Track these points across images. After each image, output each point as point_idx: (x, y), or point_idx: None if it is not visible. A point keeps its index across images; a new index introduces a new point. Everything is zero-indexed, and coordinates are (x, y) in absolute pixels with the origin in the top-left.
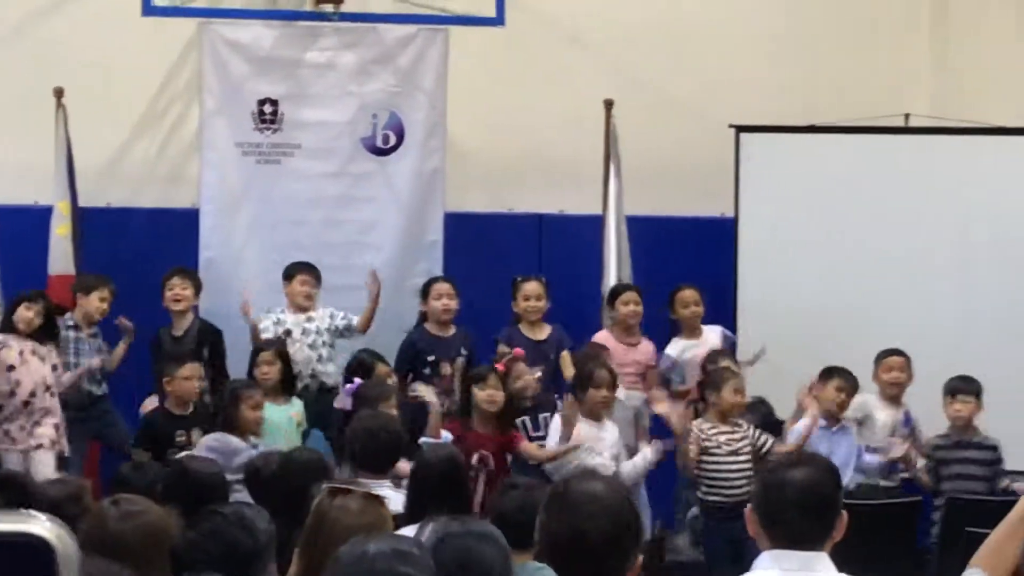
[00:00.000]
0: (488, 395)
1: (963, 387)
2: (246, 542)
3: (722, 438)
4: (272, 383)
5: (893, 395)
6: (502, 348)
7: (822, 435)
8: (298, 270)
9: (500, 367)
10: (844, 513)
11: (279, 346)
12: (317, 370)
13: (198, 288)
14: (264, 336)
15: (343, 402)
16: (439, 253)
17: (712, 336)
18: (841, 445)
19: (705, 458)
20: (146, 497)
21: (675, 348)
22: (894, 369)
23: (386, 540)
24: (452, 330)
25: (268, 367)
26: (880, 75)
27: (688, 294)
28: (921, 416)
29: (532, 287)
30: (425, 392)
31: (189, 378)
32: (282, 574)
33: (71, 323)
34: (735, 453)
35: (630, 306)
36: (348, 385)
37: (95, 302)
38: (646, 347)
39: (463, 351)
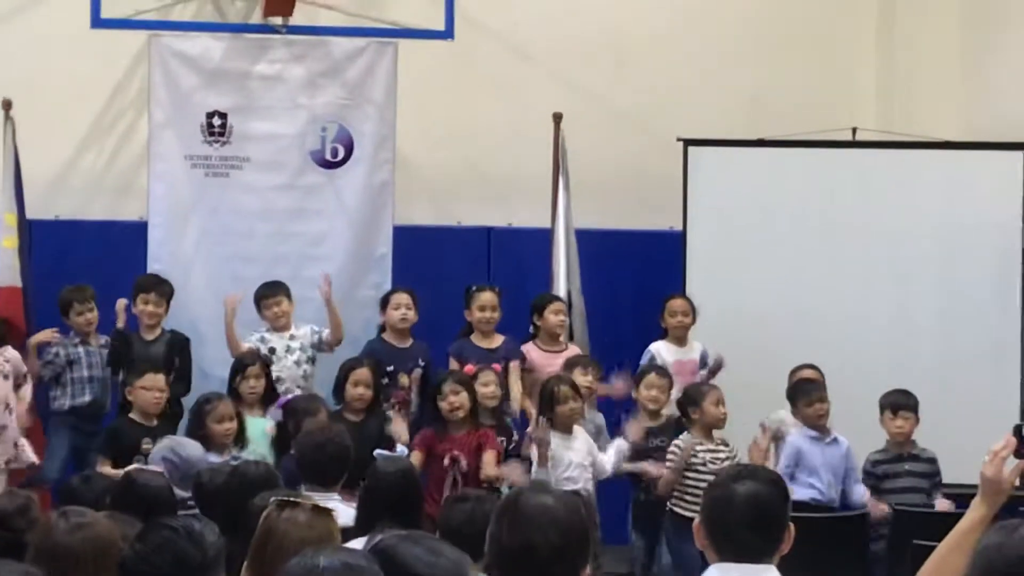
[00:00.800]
0: (448, 404)
1: (905, 403)
2: (194, 555)
3: (707, 456)
4: (257, 396)
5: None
6: (454, 364)
7: (815, 447)
8: (263, 294)
9: (469, 369)
10: (791, 525)
11: (264, 359)
12: (302, 386)
13: (169, 301)
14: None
15: (276, 415)
16: (388, 266)
17: (696, 350)
18: (834, 456)
19: (686, 473)
20: (94, 509)
21: (658, 348)
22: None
23: (337, 554)
24: (410, 341)
25: (256, 381)
26: (828, 89)
27: (678, 304)
28: (857, 427)
29: (487, 297)
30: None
31: (149, 388)
32: None
33: (77, 340)
34: (715, 474)
35: (559, 316)
36: (279, 399)
37: (74, 318)
38: (572, 351)
39: (420, 362)
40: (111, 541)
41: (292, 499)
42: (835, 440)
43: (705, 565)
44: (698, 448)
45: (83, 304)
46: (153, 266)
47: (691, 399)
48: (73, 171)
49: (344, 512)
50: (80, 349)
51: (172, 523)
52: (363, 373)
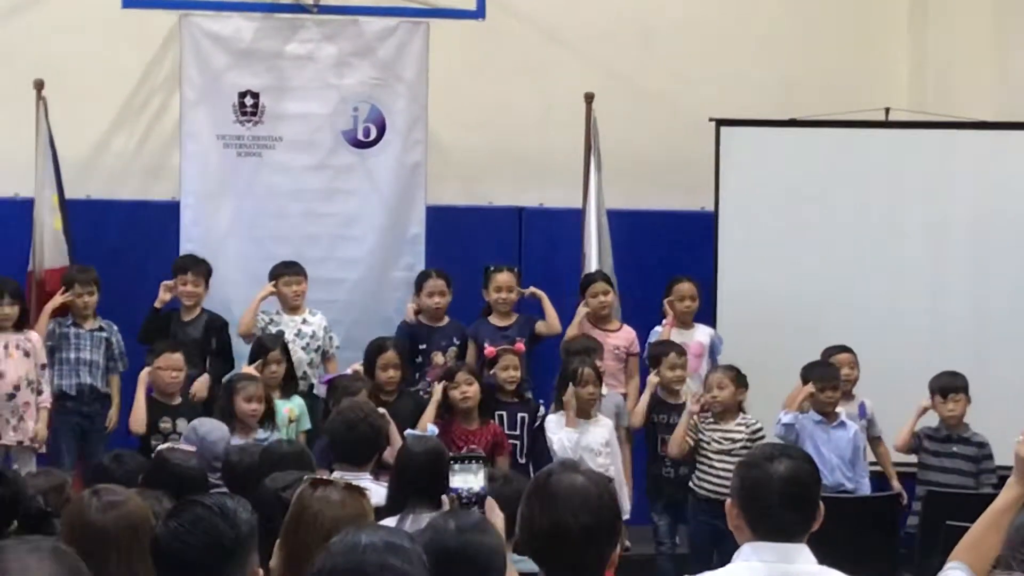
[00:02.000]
0: (461, 392)
1: (955, 384)
2: (228, 532)
3: (716, 435)
4: (278, 380)
5: (845, 391)
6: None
7: (820, 430)
8: (281, 271)
9: (490, 352)
10: (822, 505)
11: (284, 344)
12: (307, 373)
13: (208, 280)
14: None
15: (322, 391)
16: (421, 247)
17: (702, 333)
18: (841, 439)
19: (700, 450)
20: (126, 488)
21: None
22: (844, 366)
23: (378, 532)
24: (445, 320)
25: (277, 365)
26: (860, 69)
27: (685, 287)
28: (892, 407)
29: (504, 278)
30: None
31: (165, 368)
32: (262, 566)
33: (70, 321)
34: (726, 453)
35: (598, 297)
36: (324, 375)
37: (73, 297)
38: (626, 332)
39: (455, 341)
40: (143, 519)
41: (325, 478)
42: (842, 424)
43: (730, 542)
44: (706, 426)
45: (85, 286)
46: (185, 246)
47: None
48: (105, 151)
49: (375, 491)
50: (71, 330)
51: (205, 500)
52: (391, 356)
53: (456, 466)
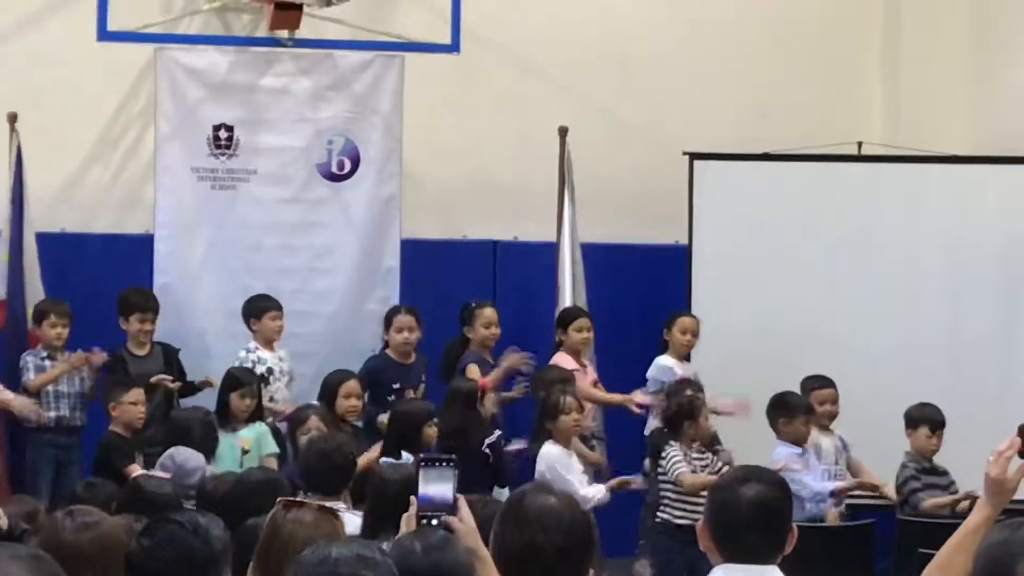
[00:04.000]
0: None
1: (941, 420)
2: (200, 549)
3: (698, 464)
4: (247, 415)
5: (826, 424)
6: (473, 372)
7: (797, 459)
8: (266, 307)
9: (483, 384)
10: (794, 527)
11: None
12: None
13: (156, 315)
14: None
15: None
16: (396, 279)
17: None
18: (815, 467)
19: (671, 483)
20: None
21: (671, 362)
22: (827, 402)
23: (349, 545)
24: (413, 357)
25: (252, 400)
26: (833, 103)
27: (689, 322)
28: (866, 438)
29: (491, 313)
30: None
31: (135, 403)
32: None
33: (44, 354)
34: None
35: (583, 333)
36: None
37: (47, 329)
38: (591, 373)
39: (423, 377)
40: (118, 540)
41: (298, 500)
42: (805, 451)
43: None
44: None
45: (59, 318)
46: (159, 279)
47: (689, 413)
48: (79, 184)
49: (350, 520)
50: (46, 364)
51: (178, 518)
52: (353, 385)
53: (427, 469)
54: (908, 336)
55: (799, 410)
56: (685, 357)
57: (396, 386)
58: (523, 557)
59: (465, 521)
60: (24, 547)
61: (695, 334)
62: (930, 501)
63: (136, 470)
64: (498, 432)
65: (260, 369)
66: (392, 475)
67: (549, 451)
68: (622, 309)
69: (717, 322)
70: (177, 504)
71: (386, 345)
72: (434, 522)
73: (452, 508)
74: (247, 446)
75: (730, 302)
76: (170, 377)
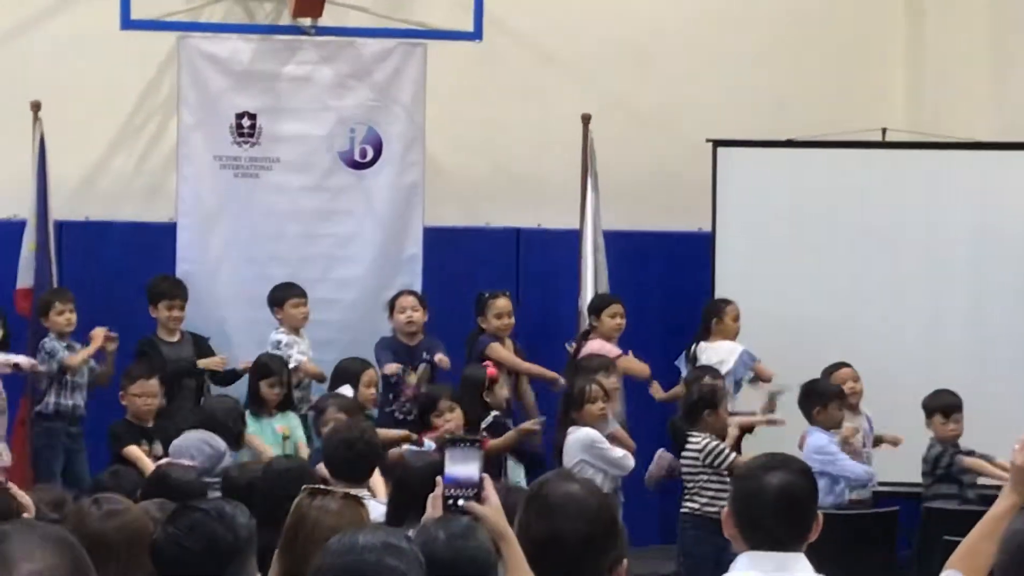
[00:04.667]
0: (445, 420)
1: (956, 404)
2: (226, 537)
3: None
4: (278, 400)
5: (852, 404)
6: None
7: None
8: (288, 294)
9: (492, 372)
10: (819, 515)
11: (283, 367)
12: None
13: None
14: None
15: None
16: (418, 267)
17: (735, 351)
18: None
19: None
20: None
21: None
22: (848, 380)
23: (376, 533)
24: (418, 339)
25: (281, 388)
26: (857, 90)
27: (733, 309)
28: (891, 425)
29: (504, 303)
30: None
31: (140, 395)
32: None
33: (64, 344)
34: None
35: (616, 319)
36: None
37: (54, 317)
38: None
39: (425, 356)
40: (144, 527)
41: (323, 487)
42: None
43: (721, 561)
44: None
45: (65, 304)
46: (181, 267)
47: (711, 402)
48: (103, 173)
49: (374, 508)
50: (65, 353)
51: (203, 506)
52: (372, 374)
53: (453, 450)
54: (932, 322)
55: (831, 396)
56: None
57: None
58: (547, 545)
59: (491, 501)
60: (53, 527)
61: (737, 319)
62: (969, 460)
63: (135, 452)
64: (495, 414)
65: (300, 359)
66: (416, 462)
67: (585, 434)
68: (645, 296)
69: (741, 308)
70: (203, 492)
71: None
72: (460, 502)
73: (478, 488)
74: (286, 432)
75: (753, 288)
76: (221, 359)
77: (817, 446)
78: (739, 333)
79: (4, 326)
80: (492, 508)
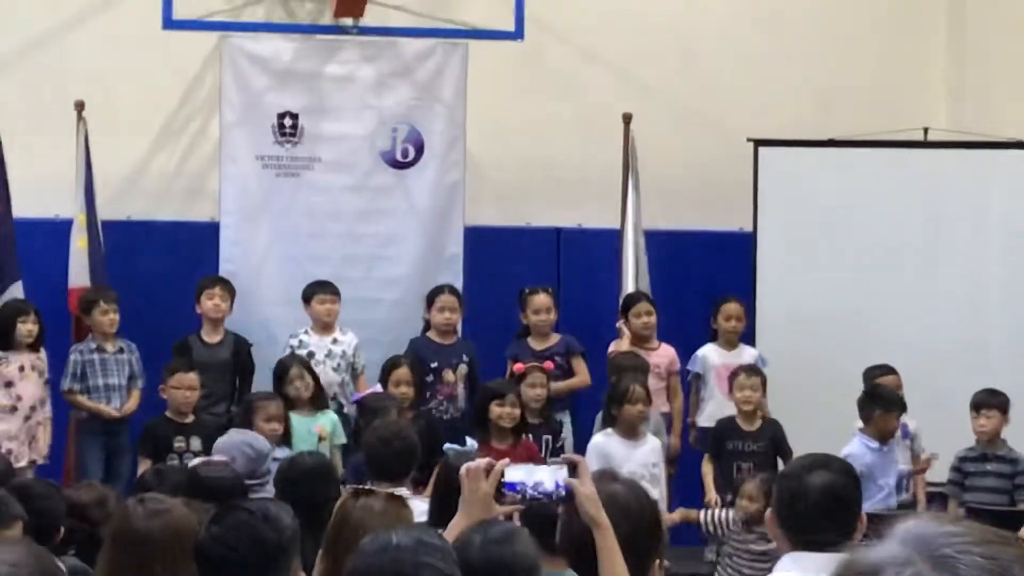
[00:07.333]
0: (508, 412)
1: (988, 401)
2: (271, 537)
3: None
4: (304, 397)
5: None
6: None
7: (877, 457)
8: (315, 290)
9: (519, 368)
10: (864, 514)
11: (303, 361)
12: (337, 393)
13: (233, 299)
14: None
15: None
16: (459, 266)
17: (747, 355)
18: (892, 462)
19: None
20: None
21: (707, 352)
22: (894, 387)
23: (411, 531)
24: (454, 338)
25: (299, 382)
26: (899, 89)
27: (732, 307)
28: (931, 427)
29: (541, 300)
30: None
31: (177, 387)
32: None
33: (93, 346)
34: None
35: (641, 318)
36: (354, 395)
37: (98, 317)
38: (666, 351)
39: (464, 358)
40: (188, 526)
41: (366, 487)
42: (890, 446)
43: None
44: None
45: (108, 303)
46: (224, 267)
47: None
48: (145, 172)
49: (416, 506)
50: (96, 356)
51: (248, 506)
52: (403, 372)
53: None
54: (974, 323)
55: (895, 405)
56: (732, 343)
57: (433, 365)
58: (590, 544)
59: (588, 487)
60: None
61: (740, 319)
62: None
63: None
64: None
65: (301, 353)
66: (457, 462)
67: (605, 442)
68: (686, 296)
69: (782, 308)
70: (242, 488)
71: (427, 326)
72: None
73: (564, 493)
74: (323, 433)
75: (794, 289)
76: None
77: (848, 453)
78: (735, 333)
79: (39, 323)
80: (587, 493)
